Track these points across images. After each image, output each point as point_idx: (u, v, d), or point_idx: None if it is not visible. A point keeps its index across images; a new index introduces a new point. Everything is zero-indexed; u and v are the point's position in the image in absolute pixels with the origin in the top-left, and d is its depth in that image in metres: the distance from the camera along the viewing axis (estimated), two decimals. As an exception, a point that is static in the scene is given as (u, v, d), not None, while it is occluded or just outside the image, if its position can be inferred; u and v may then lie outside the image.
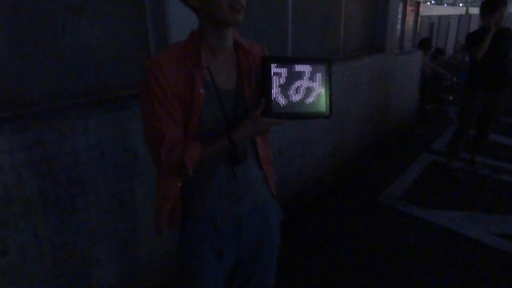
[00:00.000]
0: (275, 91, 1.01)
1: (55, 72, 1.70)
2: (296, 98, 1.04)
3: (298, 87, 1.03)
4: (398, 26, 5.17)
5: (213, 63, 1.06)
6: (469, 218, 2.98)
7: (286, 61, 1.03)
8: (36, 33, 1.61)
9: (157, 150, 1.02)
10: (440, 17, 14.14)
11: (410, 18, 5.65)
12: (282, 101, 1.02)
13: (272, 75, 1.00)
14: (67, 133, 1.57)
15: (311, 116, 1.08)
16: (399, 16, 5.12)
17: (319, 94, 1.07)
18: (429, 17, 13.89)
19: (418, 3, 5.75)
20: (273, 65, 1.01)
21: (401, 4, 5.04)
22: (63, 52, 1.71)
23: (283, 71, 1.02)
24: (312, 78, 1.05)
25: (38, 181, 1.52)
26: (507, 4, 3.32)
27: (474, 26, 14.47)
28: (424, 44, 6.33)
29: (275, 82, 1.01)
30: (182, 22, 1.90)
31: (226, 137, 1.04)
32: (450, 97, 6.47)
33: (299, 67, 1.03)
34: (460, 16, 14.98)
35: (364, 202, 3.30)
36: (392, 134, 5.05)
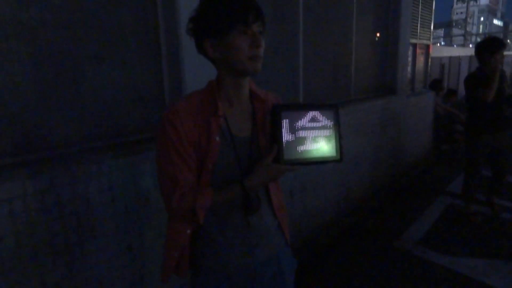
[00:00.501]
0: (286, 138, 1.02)
1: (72, 117, 1.76)
2: (307, 144, 1.05)
3: (309, 133, 1.05)
4: (409, 68, 5.24)
5: (229, 111, 1.08)
6: (492, 266, 2.81)
7: (296, 108, 1.05)
8: (56, 80, 1.69)
9: (169, 196, 1.02)
10: (450, 58, 14.33)
11: (420, 60, 5.73)
12: (293, 148, 1.03)
13: (282, 122, 1.02)
14: (80, 177, 1.59)
15: (323, 162, 1.09)
16: (409, 59, 5.21)
17: (329, 139, 1.08)
18: (440, 58, 14.09)
19: (428, 46, 5.86)
20: (283, 113, 1.02)
21: (410, 47, 5.14)
22: (81, 98, 1.78)
23: (294, 118, 1.03)
24: (321, 124, 1.07)
25: (49, 225, 1.52)
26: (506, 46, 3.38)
27: (485, 66, 14.49)
28: (435, 85, 6.36)
29: (286, 129, 1.02)
30: (195, 71, 1.97)
31: (238, 185, 1.03)
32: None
33: (309, 114, 1.05)
34: (471, 57, 15.15)
35: (380, 248, 3.17)
36: (407, 175, 4.96)
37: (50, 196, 1.51)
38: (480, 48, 3.37)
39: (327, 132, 1.08)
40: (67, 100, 1.73)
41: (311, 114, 1.05)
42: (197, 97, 1.06)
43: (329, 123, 1.08)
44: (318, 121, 1.06)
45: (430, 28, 5.73)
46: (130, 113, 1.98)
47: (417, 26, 5.24)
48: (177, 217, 1.08)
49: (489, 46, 3.30)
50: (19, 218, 1.43)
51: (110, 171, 1.69)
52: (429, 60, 6.01)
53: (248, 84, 1.11)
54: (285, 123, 1.02)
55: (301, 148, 1.04)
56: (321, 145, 1.07)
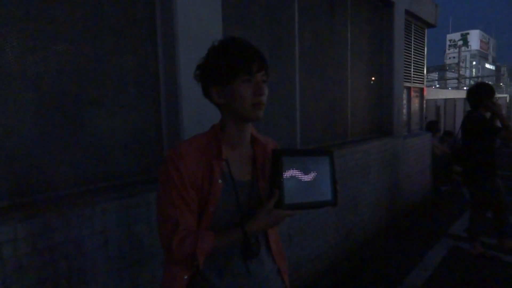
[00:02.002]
0: (286, 184, 1.04)
1: (69, 159, 1.77)
2: (305, 189, 1.07)
3: (307, 178, 1.08)
4: (404, 110, 5.35)
5: (231, 155, 1.10)
6: (500, 314, 2.70)
7: (294, 154, 1.09)
8: (55, 123, 1.72)
9: (169, 239, 1.00)
10: (446, 100, 14.64)
11: (415, 102, 5.86)
12: (292, 192, 1.05)
13: (283, 168, 1.04)
14: (74, 221, 1.58)
15: (320, 206, 1.12)
16: (404, 101, 5.33)
17: (325, 184, 1.11)
18: (435, 100, 14.40)
19: (422, 89, 6.01)
20: (283, 158, 1.05)
21: (405, 90, 5.28)
22: (79, 141, 1.80)
23: (293, 163, 1.06)
24: (318, 169, 1.10)
25: (39, 270, 1.48)
26: None
27: (480, 108, 14.75)
28: (431, 126, 6.46)
29: (286, 174, 1.05)
30: (193, 116, 2.02)
31: (240, 230, 1.03)
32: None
33: (307, 159, 1.09)
34: (465, 99, 15.47)
35: (382, 294, 3.06)
36: (408, 217, 4.89)
37: (41, 240, 1.48)
38: (480, 93, 3.50)
39: (323, 177, 1.11)
40: (65, 143, 1.76)
41: (308, 159, 1.09)
42: (200, 140, 1.08)
43: (325, 168, 1.12)
44: (315, 167, 1.10)
45: (423, 72, 5.92)
46: (127, 156, 1.99)
47: (410, 71, 5.42)
48: (176, 261, 1.05)
49: (488, 91, 3.49)
50: (8, 263, 1.40)
51: (103, 214, 1.68)
52: (424, 102, 6.15)
53: (250, 129, 1.14)
54: (285, 168, 1.05)
55: (299, 192, 1.06)
56: (318, 190, 1.10)
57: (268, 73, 1.09)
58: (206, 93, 1.10)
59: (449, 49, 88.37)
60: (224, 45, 1.06)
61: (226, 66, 1.02)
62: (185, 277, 1.08)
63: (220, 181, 1.05)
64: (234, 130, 1.10)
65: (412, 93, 5.64)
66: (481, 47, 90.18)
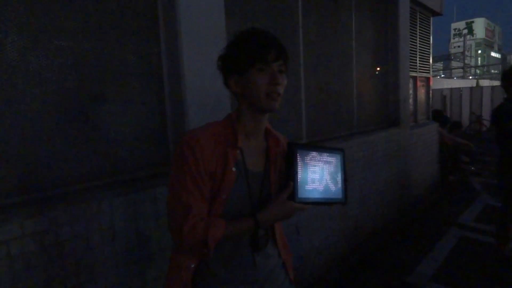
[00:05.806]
0: (300, 177, 1.05)
1: (74, 155, 1.76)
2: (316, 184, 1.08)
3: (319, 174, 1.09)
4: (410, 100, 5.28)
5: (245, 145, 1.10)
6: (512, 304, 2.67)
7: (309, 148, 1.09)
8: (59, 120, 1.70)
9: (179, 224, 0.98)
10: (451, 89, 14.52)
11: (421, 92, 5.79)
12: (305, 187, 1.05)
13: (298, 161, 1.05)
14: (81, 217, 1.56)
15: (330, 203, 1.13)
16: (411, 91, 5.27)
17: (336, 181, 1.12)
18: (441, 90, 14.28)
19: (428, 78, 5.94)
20: (299, 152, 1.05)
21: (411, 80, 5.22)
22: (84, 136, 1.79)
23: (306, 158, 1.07)
24: (330, 166, 1.11)
25: (47, 267, 1.47)
26: None
27: (486, 97, 14.72)
28: (437, 116, 6.38)
29: (300, 168, 1.05)
30: (198, 109, 2.00)
31: (252, 219, 1.02)
32: (472, 168, 6.31)
33: (320, 155, 1.10)
34: (471, 88, 15.33)
35: (391, 284, 3.04)
36: (416, 207, 4.85)
37: (49, 236, 1.47)
38: (506, 75, 3.14)
39: (334, 174, 1.12)
40: (70, 139, 1.74)
41: (321, 155, 1.10)
42: (215, 128, 1.08)
43: (337, 165, 1.13)
44: (327, 163, 1.11)
45: (429, 62, 5.84)
46: (132, 151, 1.98)
47: (416, 60, 5.34)
48: (185, 249, 1.04)
49: None
50: (16, 261, 1.39)
51: (110, 210, 1.66)
52: (430, 92, 6.07)
53: (266, 121, 1.14)
54: (300, 162, 1.05)
55: (311, 188, 1.07)
56: (329, 187, 1.10)
57: (287, 64, 1.08)
58: (226, 83, 1.11)
59: (453, 38, 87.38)
60: (242, 35, 1.07)
61: (241, 55, 1.03)
62: (192, 265, 1.07)
63: (234, 169, 1.04)
64: (250, 120, 1.10)
65: (418, 83, 5.57)
66: (486, 36, 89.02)
